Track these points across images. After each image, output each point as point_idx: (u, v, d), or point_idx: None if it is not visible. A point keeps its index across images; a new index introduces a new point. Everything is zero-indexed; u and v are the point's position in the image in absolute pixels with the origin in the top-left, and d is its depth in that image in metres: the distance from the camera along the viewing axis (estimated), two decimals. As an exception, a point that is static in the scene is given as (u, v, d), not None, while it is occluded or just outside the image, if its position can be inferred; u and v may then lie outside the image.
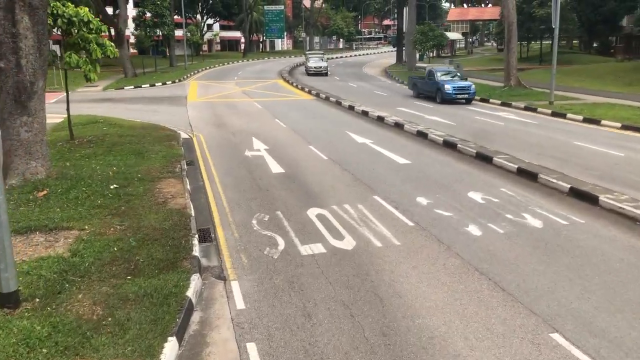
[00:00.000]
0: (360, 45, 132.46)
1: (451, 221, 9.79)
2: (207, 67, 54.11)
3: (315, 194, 11.64)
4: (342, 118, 22.60)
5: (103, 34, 16.28)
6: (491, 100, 27.35)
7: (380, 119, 21.38)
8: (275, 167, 13.99)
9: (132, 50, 64.38)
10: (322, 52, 56.47)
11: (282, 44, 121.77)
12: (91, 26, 15.23)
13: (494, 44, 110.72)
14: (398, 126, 19.68)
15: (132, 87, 34.73)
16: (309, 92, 31.89)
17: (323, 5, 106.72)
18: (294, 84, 36.66)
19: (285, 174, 13.32)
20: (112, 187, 11.39)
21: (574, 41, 70.94)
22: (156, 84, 36.43)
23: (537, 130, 19.20)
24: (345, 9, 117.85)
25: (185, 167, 13.83)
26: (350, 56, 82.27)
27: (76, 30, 15.78)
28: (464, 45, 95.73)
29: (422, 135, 17.79)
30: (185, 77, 42.32)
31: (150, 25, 43.55)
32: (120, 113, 23.48)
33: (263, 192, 11.82)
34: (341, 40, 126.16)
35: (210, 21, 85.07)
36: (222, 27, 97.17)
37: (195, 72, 48.02)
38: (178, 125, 20.80)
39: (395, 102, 27.68)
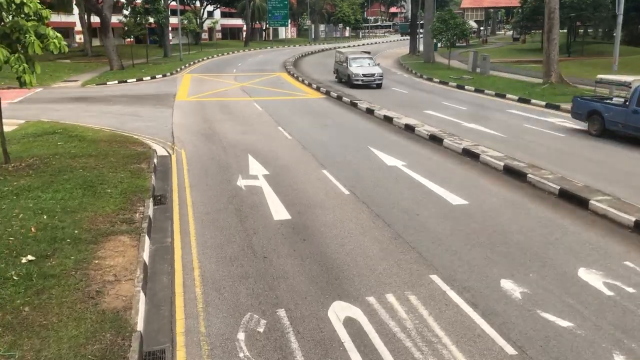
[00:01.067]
0: (367, 34, 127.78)
1: (578, 344, 5.72)
2: (205, 58, 49.85)
3: (339, 267, 7.61)
4: (360, 125, 18.45)
5: (49, 21, 12.12)
6: (533, 101, 23.11)
7: (409, 129, 17.21)
8: (278, 210, 9.96)
9: (128, 39, 60.50)
10: (368, 53, 36.04)
11: (286, 32, 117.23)
12: (27, 10, 11.07)
13: (506, 32, 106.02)
14: (434, 140, 15.53)
15: (116, 82, 30.62)
16: (318, 90, 27.69)
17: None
18: (300, 79, 32.46)
19: (292, 223, 9.28)
20: (24, 259, 7.36)
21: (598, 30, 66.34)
22: (144, 79, 32.27)
23: (615, 148, 15.04)
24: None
25: (151, 210, 9.77)
26: (359, 45, 77.77)
27: (11, 16, 11.67)
28: (475, 34, 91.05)
29: (470, 154, 13.66)
30: (178, 69, 38.12)
31: (140, 12, 39.29)
32: (92, 118, 19.40)
33: (259, 262, 7.79)
34: (347, 28, 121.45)
35: (210, 8, 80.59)
36: (223, 15, 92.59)
37: (191, 63, 43.78)
38: (158, 135, 16.72)
39: (420, 103, 23.49)
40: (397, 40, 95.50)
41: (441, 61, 44.24)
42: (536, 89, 25.80)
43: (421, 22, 55.02)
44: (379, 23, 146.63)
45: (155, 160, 13.27)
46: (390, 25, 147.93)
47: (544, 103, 22.58)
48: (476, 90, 27.50)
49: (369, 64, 29.88)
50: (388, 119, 18.82)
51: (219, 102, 23.83)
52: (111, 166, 12.34)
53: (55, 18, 62.45)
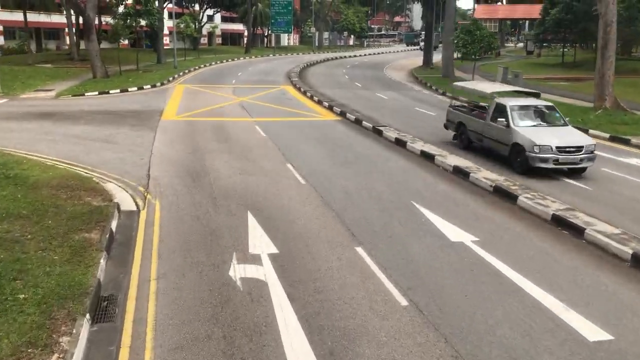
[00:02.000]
0: (372, 43, 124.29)
1: None
2: (202, 65, 45.84)
3: None
4: (392, 163, 14.41)
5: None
6: (591, 132, 19.08)
7: (460, 173, 13.15)
8: (296, 337, 5.92)
9: (122, 43, 56.72)
10: (536, 96, 16.56)
11: (288, 39, 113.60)
12: None
13: (516, 44, 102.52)
14: (502, 194, 11.45)
15: (97, 93, 26.54)
16: (330, 109, 23.67)
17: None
18: (308, 94, 28.43)
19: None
20: None
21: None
22: (130, 89, 28.21)
23: None
24: (358, 3, 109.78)
25: (80, 346, 5.69)
26: (365, 55, 73.97)
27: None
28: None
29: (568, 227, 9.58)
30: (171, 78, 34.08)
31: (130, 13, 35.31)
32: (51, 144, 15.36)
33: None
34: (351, 36, 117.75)
35: (210, 12, 76.72)
36: (224, 19, 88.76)
37: (186, 71, 39.75)
38: (129, 173, 12.68)
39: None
40: (404, 50, 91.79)
41: (460, 76, 40.34)
42: (589, 116, 21.80)
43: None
44: (383, 32, 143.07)
45: (114, 225, 9.20)
46: (395, 34, 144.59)
47: (606, 135, 18.59)
48: (514, 114, 23.54)
49: (557, 121, 14.30)
50: (427, 156, 14.75)
51: (214, 123, 19.77)
52: (44, 237, 8.28)
53: (45, 18, 58.62)
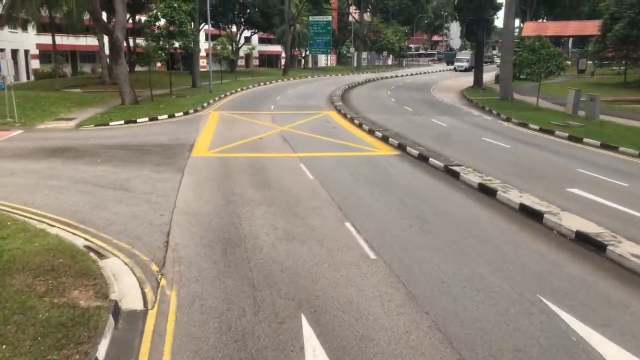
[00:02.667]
0: (410, 63, 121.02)
1: None
2: (239, 89, 43.29)
3: None
4: (487, 226, 10.91)
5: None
6: None
7: (592, 244, 9.54)
8: None
9: (158, 65, 54.99)
10: None
11: (326, 60, 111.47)
12: None
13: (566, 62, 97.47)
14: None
15: (122, 122, 23.95)
16: (385, 140, 20.37)
17: (373, 18, 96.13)
18: (356, 121, 25.24)
19: None
20: None
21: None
22: (159, 118, 25.56)
23: None
24: (397, 22, 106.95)
25: None
26: (406, 75, 70.64)
27: None
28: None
29: None
30: (205, 104, 31.46)
31: (163, 35, 33.01)
32: (53, 192, 12.52)
33: None
34: (390, 56, 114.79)
35: (247, 33, 74.93)
36: (261, 41, 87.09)
37: (222, 96, 37.16)
38: (142, 239, 9.68)
39: (546, 169, 15.90)
40: (446, 70, 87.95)
41: (519, 98, 36.59)
42: None
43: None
44: (421, 51, 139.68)
45: (103, 348, 6.05)
46: (433, 53, 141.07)
47: None
48: (604, 146, 19.80)
49: None
50: (532, 214, 11.21)
51: (252, 160, 16.70)
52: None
53: (81, 41, 57.46)
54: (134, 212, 11.25)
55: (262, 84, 50.73)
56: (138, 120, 24.43)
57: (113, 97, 31.99)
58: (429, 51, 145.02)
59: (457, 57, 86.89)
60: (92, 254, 8.75)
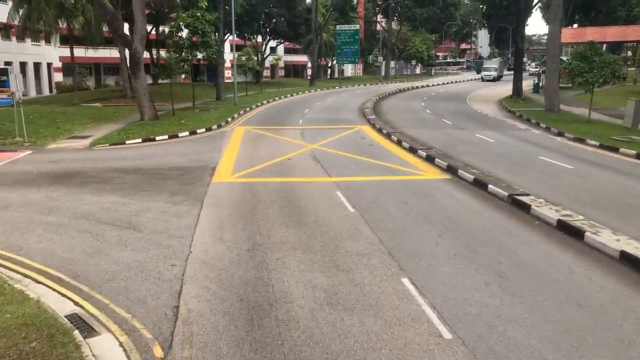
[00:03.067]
0: (439, 71, 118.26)
1: None
2: (265, 102, 41.41)
3: None
4: (588, 286, 8.51)
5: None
6: None
7: None
8: None
9: (183, 77, 53.68)
10: None
11: (352, 69, 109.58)
12: None
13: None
14: None
15: (140, 140, 22.11)
16: (430, 161, 18.05)
17: (401, 26, 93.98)
18: (393, 137, 23.00)
19: None
20: None
21: None
22: (180, 135, 23.68)
23: None
24: (425, 30, 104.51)
25: None
26: (437, 85, 68.09)
27: None
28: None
29: None
30: (229, 119, 29.58)
31: (186, 46, 31.32)
32: (48, 233, 10.60)
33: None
34: (418, 65, 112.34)
35: (273, 43, 73.45)
36: (287, 51, 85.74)
37: (247, 109, 35.29)
38: (146, 303, 7.71)
39: (630, 198, 13.38)
40: (476, 78, 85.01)
41: (565, 109, 33.90)
42: None
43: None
44: (450, 60, 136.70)
45: None
46: (462, 62, 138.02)
47: None
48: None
49: None
50: (640, 267, 8.80)
51: (281, 186, 14.56)
52: None
53: (104, 53, 56.43)
54: (140, 260, 9.18)
55: (288, 95, 48.82)
56: (157, 138, 22.58)
57: (133, 112, 30.33)
58: (458, 59, 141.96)
59: (484, 66, 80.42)
60: (76, 332, 6.65)
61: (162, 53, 38.29)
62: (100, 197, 13.21)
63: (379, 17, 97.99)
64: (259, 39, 67.32)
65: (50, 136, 22.40)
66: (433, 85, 67.43)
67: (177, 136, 23.35)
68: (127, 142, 21.64)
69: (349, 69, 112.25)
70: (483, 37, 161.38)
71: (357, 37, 68.31)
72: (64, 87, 52.44)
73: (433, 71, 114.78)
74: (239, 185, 14.66)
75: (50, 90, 52.75)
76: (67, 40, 44.87)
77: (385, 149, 20.79)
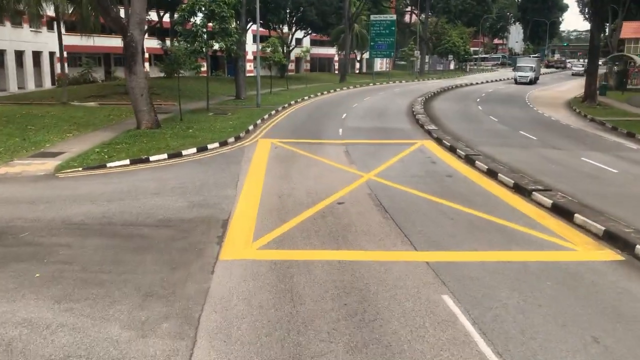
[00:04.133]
0: (474, 67, 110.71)
1: None
2: (292, 102, 35.12)
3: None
4: None
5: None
6: None
7: None
8: None
9: (203, 69, 48.13)
10: None
11: (381, 64, 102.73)
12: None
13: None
14: None
15: (127, 161, 15.91)
16: (563, 215, 11.51)
17: (439, 18, 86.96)
18: (479, 164, 16.44)
19: None
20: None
21: None
22: (184, 153, 17.45)
23: None
24: (462, 23, 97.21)
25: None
26: (483, 83, 60.97)
27: None
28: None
29: None
30: (251, 127, 23.36)
31: (199, 34, 25.20)
32: None
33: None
34: (452, 61, 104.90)
35: (299, 34, 67.02)
36: (312, 42, 79.01)
37: (272, 112, 29.02)
38: None
39: None
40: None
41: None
42: None
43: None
44: (486, 55, 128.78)
45: None
46: (498, 57, 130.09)
47: None
48: None
49: None
50: None
51: (337, 274, 8.21)
52: None
53: (115, 42, 50.58)
54: None
55: (318, 94, 42.41)
56: (152, 159, 16.41)
57: (131, 114, 24.27)
58: (492, 55, 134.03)
59: (518, 65, 63.03)
60: None
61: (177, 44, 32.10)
62: (8, 307, 7.03)
63: (412, 9, 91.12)
64: (285, 29, 60.96)
65: (7, 152, 16.38)
66: (477, 83, 60.38)
67: (179, 155, 17.17)
68: (108, 164, 15.49)
69: (377, 64, 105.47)
70: (514, 32, 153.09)
71: (393, 28, 61.58)
72: (67, 80, 46.74)
73: (468, 67, 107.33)
74: (265, 271, 8.37)
75: (53, 83, 47.19)
76: (74, 26, 39.24)
77: (477, 186, 14.32)
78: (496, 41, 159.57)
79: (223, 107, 30.48)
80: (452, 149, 18.91)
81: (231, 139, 19.99)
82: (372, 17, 62.41)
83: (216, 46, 27.58)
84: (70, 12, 29.46)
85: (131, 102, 20.89)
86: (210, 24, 26.31)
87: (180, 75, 26.68)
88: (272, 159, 16.98)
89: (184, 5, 25.59)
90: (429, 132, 22.75)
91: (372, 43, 62.69)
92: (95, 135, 20.10)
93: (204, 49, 26.08)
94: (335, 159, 17.14)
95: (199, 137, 19.65)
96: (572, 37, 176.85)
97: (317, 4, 55.76)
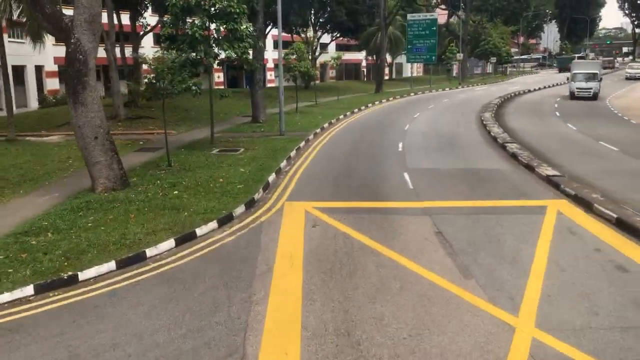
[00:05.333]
0: (514, 70, 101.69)
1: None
2: (326, 124, 27.14)
3: None
4: None
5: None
6: None
7: None
8: None
9: (218, 79, 41.29)
10: None
11: (411, 68, 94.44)
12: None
13: None
14: None
15: (30, 292, 8.07)
16: None
17: (481, 16, 78.45)
18: None
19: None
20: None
21: None
22: (148, 254, 9.54)
23: None
24: (501, 22, 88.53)
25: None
26: (542, 88, 52.24)
27: None
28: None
29: None
30: (271, 176, 15.32)
31: (196, 37, 17.48)
32: None
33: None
34: (489, 63, 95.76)
35: (325, 38, 59.18)
36: (338, 47, 70.92)
37: (302, 144, 21.05)
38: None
39: None
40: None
41: None
42: None
43: None
44: (525, 56, 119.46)
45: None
46: (538, 58, 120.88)
47: None
48: None
49: None
50: None
51: None
52: None
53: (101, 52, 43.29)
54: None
55: (355, 110, 34.36)
56: (81, 276, 8.55)
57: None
58: (532, 55, 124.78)
59: (575, 73, 40.75)
60: None
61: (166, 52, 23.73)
62: None
63: (441, 8, 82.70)
64: (309, 32, 53.18)
65: None
66: (534, 89, 51.62)
67: (142, 258, 9.29)
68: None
69: (407, 69, 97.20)
70: (548, 31, 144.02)
71: (434, 28, 53.24)
72: (52, 100, 39.61)
73: (508, 70, 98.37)
74: None
75: (40, 102, 40.10)
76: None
77: None
78: (530, 41, 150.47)
79: (235, 136, 22.72)
80: (621, 225, 10.66)
81: (239, 208, 12.04)
82: (410, 16, 54.21)
83: (223, 55, 19.81)
84: (17, 14, 22.07)
85: (79, 149, 13.06)
86: (213, 26, 18.56)
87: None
88: (310, 264, 9.01)
89: (174, 1, 17.83)
90: (548, 181, 14.55)
91: (409, 46, 54.45)
92: (22, 204, 12.41)
93: (205, 58, 18.30)
94: (429, 261, 9.10)
95: (185, 208, 11.77)
96: (601, 34, 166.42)
97: (346, 3, 47.92)
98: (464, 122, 27.79)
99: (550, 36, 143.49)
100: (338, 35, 56.96)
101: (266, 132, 24.07)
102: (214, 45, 18.85)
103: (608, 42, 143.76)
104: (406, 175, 15.56)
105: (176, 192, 13.07)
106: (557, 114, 31.67)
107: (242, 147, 19.75)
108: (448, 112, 32.63)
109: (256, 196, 13.05)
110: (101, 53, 18.79)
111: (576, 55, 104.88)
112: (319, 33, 53.56)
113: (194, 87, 17.08)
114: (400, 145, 20.94)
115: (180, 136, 22.92)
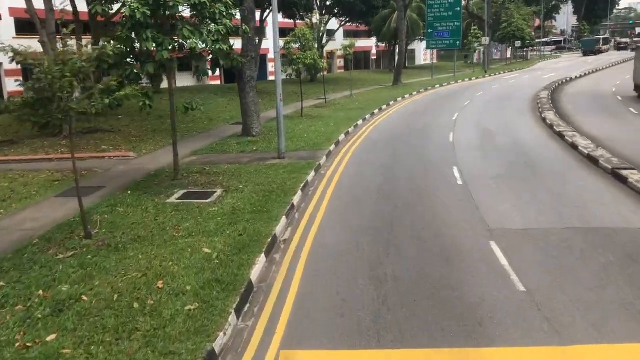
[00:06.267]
0: (535, 54, 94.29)
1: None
2: (341, 136, 20.25)
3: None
4: None
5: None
6: None
7: None
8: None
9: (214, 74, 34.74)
10: None
11: (424, 55, 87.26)
12: None
13: None
14: None
15: None
16: None
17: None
18: None
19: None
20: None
21: None
22: None
23: None
24: (521, 2, 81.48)
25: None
26: (582, 76, 45.11)
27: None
28: None
29: None
30: (260, 258, 8.55)
31: (136, 23, 10.86)
32: None
33: None
34: (509, 48, 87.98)
35: (333, 23, 52.12)
36: (346, 34, 63.57)
37: (309, 178, 14.18)
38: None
39: None
40: (615, 63, 59.95)
41: None
42: None
43: None
44: (547, 39, 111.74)
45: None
46: (560, 40, 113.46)
47: None
48: None
49: None
50: None
51: None
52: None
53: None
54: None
55: (375, 111, 27.47)
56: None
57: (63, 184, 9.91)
58: (552, 39, 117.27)
59: None
60: None
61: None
62: None
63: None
64: (315, 18, 46.09)
65: None
66: (573, 78, 44.38)
67: None
68: None
69: (420, 56, 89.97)
70: (563, 12, 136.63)
71: (458, 9, 46.16)
72: (15, 103, 32.87)
73: (529, 54, 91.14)
74: None
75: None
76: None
77: None
78: (549, 24, 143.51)
79: (215, 161, 15.99)
80: None
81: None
82: (429, -3, 47.11)
83: (201, 45, 12.96)
84: None
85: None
86: (183, 9, 11.80)
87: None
88: None
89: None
90: None
91: (429, 30, 47.36)
92: None
93: (156, 51, 11.57)
94: None
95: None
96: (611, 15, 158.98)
97: (356, -18, 40.98)
98: (522, 125, 21.19)
99: (564, 18, 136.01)
100: (347, 20, 49.88)
101: (260, 151, 17.33)
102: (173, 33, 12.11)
103: (630, 23, 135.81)
104: (497, 250, 8.79)
105: (53, 336, 6.32)
106: (633, 110, 24.80)
107: (220, 185, 12.99)
108: (491, 110, 25.93)
109: (219, 341, 6.28)
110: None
111: (600, 37, 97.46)
112: (326, 18, 46.53)
113: (142, 101, 10.44)
114: (456, 170, 14.19)
115: (140, 161, 16.25)
